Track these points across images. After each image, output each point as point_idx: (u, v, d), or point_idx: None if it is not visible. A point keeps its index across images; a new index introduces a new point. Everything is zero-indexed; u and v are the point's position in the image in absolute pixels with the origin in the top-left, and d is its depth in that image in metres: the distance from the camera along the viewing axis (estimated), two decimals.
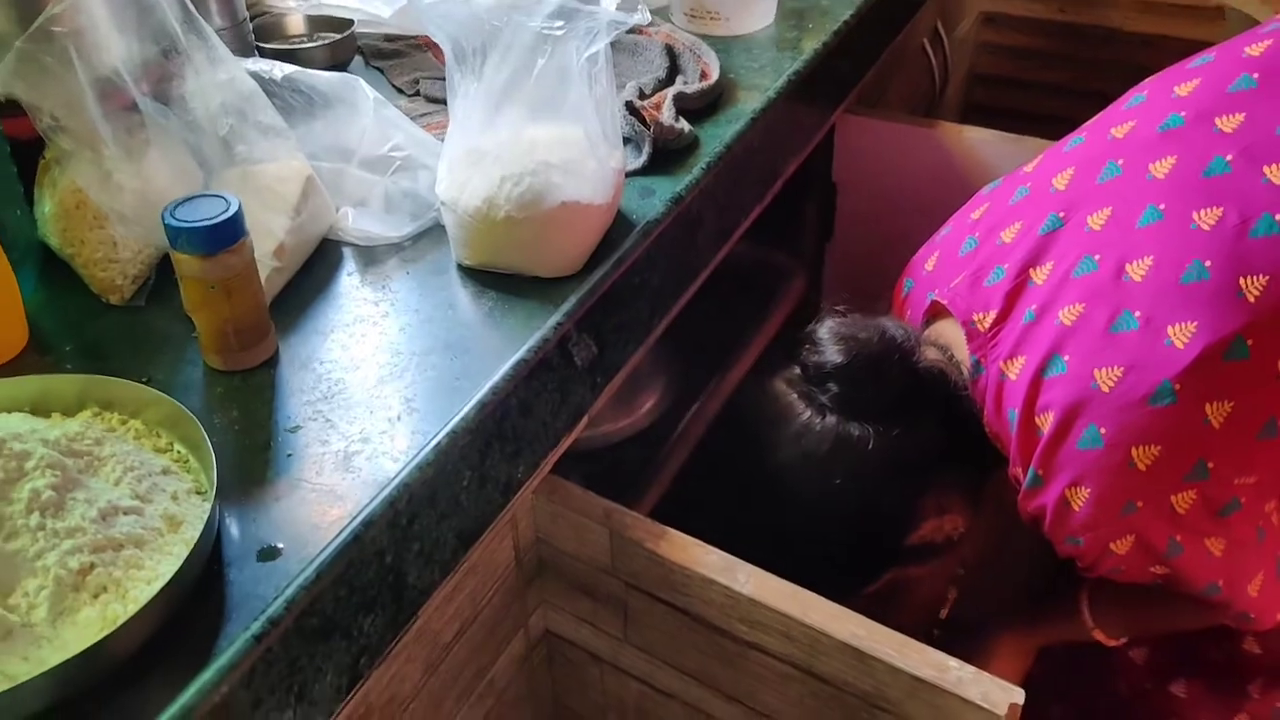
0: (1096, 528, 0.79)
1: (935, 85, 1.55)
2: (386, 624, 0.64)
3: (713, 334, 1.25)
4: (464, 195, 0.80)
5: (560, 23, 0.75)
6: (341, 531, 0.60)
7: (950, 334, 0.90)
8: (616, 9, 0.78)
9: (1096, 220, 0.82)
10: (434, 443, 0.66)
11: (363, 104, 0.88)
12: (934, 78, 1.54)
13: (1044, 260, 0.83)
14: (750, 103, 1.03)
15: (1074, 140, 0.93)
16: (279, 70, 0.88)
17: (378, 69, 1.11)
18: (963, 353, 0.88)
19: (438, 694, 0.75)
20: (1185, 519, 0.77)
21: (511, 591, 0.80)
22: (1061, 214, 0.84)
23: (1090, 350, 0.77)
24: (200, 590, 0.57)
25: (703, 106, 1.02)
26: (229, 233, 0.68)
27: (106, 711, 0.52)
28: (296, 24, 1.10)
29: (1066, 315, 0.79)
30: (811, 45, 1.12)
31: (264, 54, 1.03)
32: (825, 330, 0.91)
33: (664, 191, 0.90)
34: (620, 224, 0.86)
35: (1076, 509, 0.79)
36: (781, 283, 1.37)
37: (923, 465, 0.87)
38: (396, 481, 0.63)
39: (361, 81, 0.89)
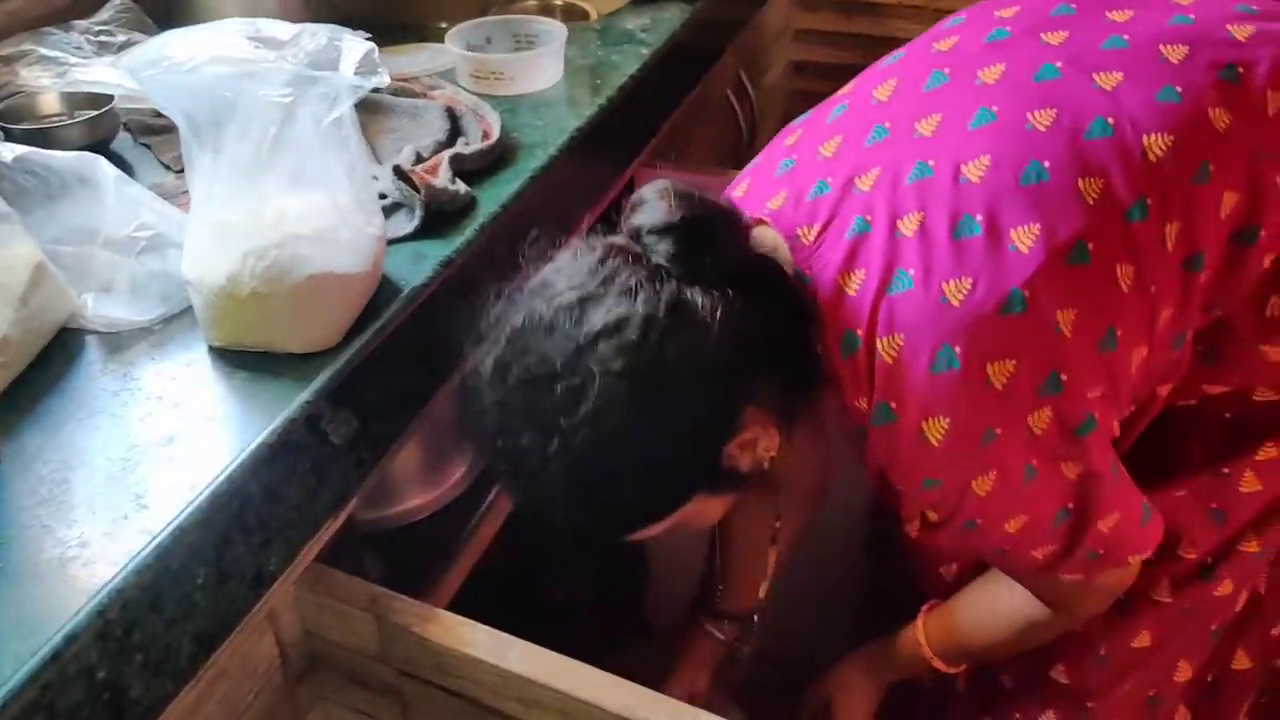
0: (956, 463, 0.73)
1: (744, 136, 1.57)
2: None
3: None
4: (208, 273, 0.76)
5: (289, 90, 0.72)
6: (37, 651, 0.55)
7: (770, 240, 0.80)
8: (355, 73, 0.75)
9: (926, 126, 0.77)
10: (155, 542, 0.61)
11: (104, 182, 0.83)
12: (740, 127, 1.55)
13: (870, 168, 0.77)
14: (531, 161, 1.01)
15: (893, 57, 0.89)
16: (8, 151, 0.82)
17: (145, 145, 1.06)
18: (788, 264, 0.78)
19: None
20: (1042, 440, 0.72)
21: (278, 691, 0.75)
22: (887, 124, 0.79)
23: (935, 261, 0.71)
24: None
25: (484, 167, 1.00)
26: None
27: None
28: (51, 103, 1.04)
29: (906, 225, 0.73)
30: (597, 101, 1.11)
31: (10, 136, 0.97)
32: (652, 190, 0.77)
33: (435, 255, 0.87)
34: (386, 291, 0.83)
35: (935, 443, 0.72)
36: None
37: (761, 356, 0.75)
38: (108, 588, 0.58)
39: (102, 160, 0.84)
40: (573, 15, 1.36)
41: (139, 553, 0.60)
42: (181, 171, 1.01)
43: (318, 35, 0.76)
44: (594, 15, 1.36)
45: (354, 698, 0.77)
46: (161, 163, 1.03)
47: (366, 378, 0.78)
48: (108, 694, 0.58)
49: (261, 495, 0.68)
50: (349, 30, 0.78)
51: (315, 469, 0.73)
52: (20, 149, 0.83)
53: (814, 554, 1.13)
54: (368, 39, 0.78)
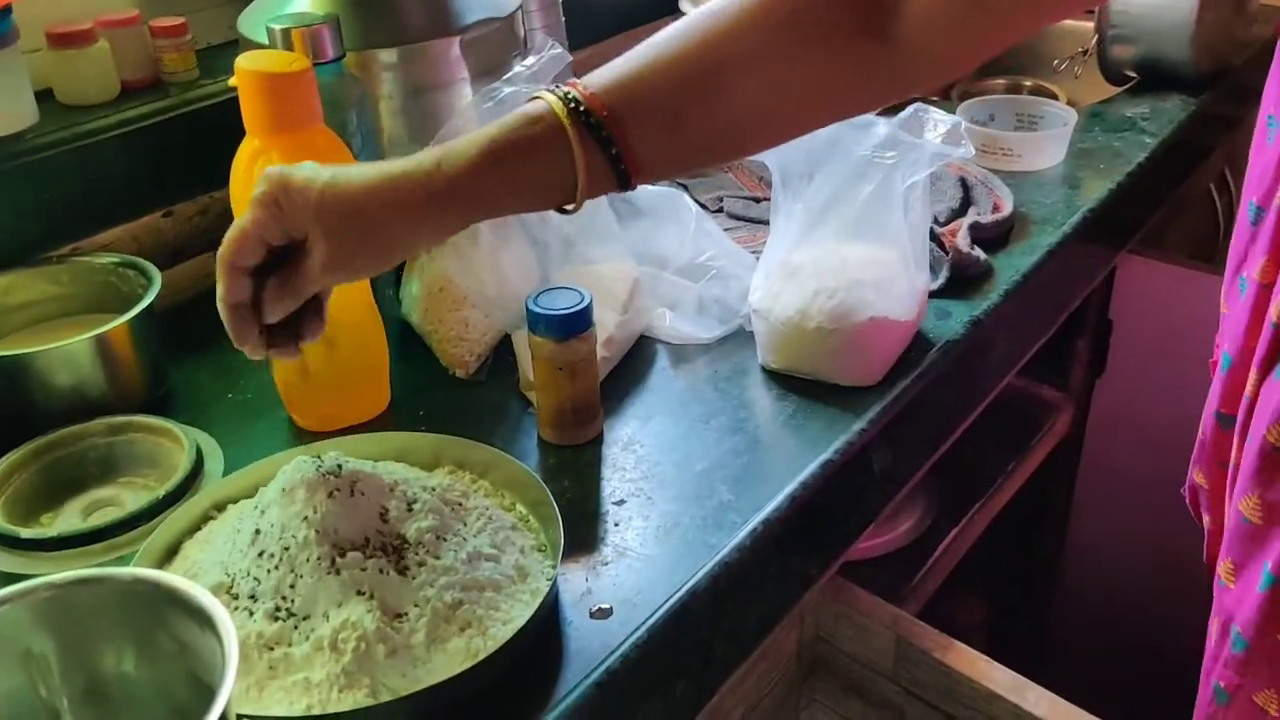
0: None
1: (1219, 232, 1.53)
2: (694, 692, 0.69)
3: (973, 461, 1.26)
4: (778, 304, 0.86)
5: (891, 152, 0.81)
6: (670, 597, 0.65)
7: None
8: (941, 142, 0.83)
9: None
10: (750, 527, 0.71)
11: (685, 216, 0.97)
12: (1218, 224, 1.51)
13: None
14: (1044, 237, 1.05)
15: None
16: None
17: (682, 185, 1.20)
18: None
19: None
20: None
21: (789, 683, 0.83)
22: None
23: None
24: (541, 638, 0.63)
25: (994, 237, 1.06)
26: (581, 322, 0.77)
27: None
28: None
29: None
30: (1105, 185, 1.14)
31: None
32: None
33: (961, 314, 0.93)
34: (917, 341, 0.90)
35: None
36: (1047, 415, 1.37)
37: None
38: (717, 559, 0.68)
39: (685, 196, 0.98)
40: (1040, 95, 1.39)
41: (737, 532, 0.70)
42: (719, 211, 1.15)
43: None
44: (1062, 98, 1.38)
45: (848, 707, 0.84)
46: (699, 202, 1.16)
47: (903, 416, 0.85)
48: (704, 648, 0.68)
49: (819, 506, 0.76)
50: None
51: (856, 491, 0.81)
52: None
53: None
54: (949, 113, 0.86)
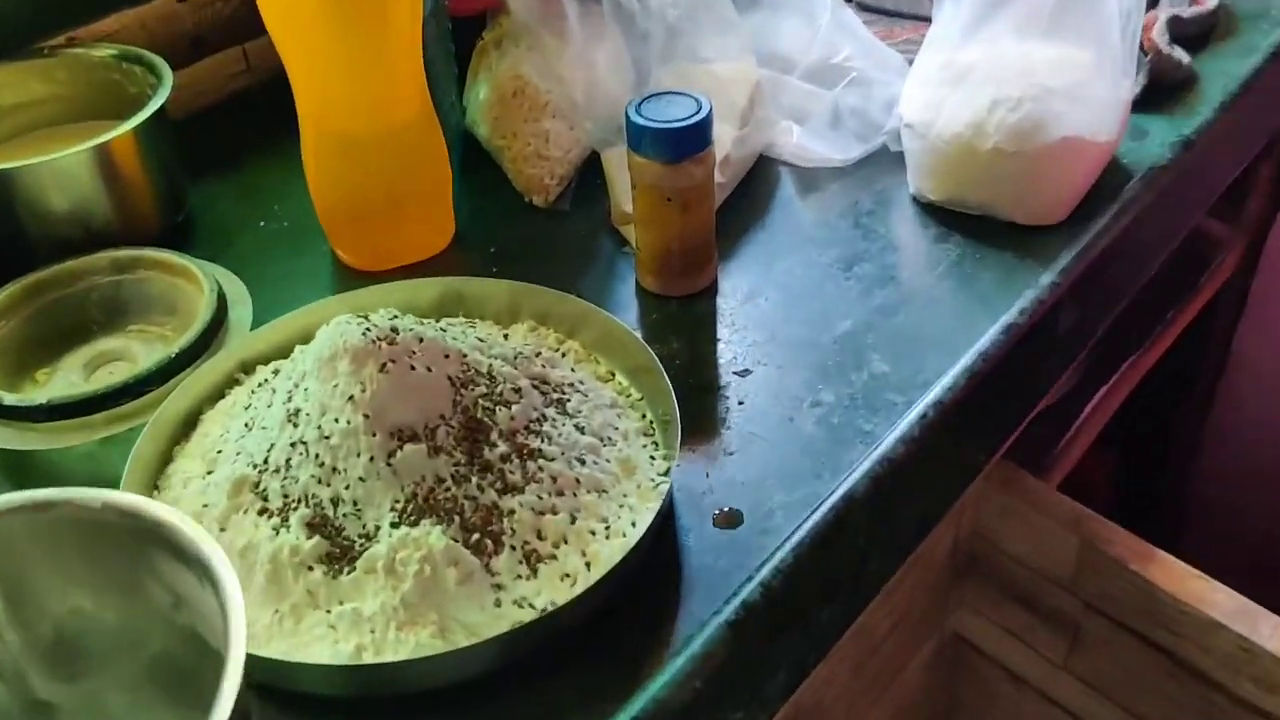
0: None
1: None
2: (841, 615, 0.55)
3: (1128, 306, 1.08)
4: (940, 118, 0.68)
5: None
6: (819, 505, 0.51)
7: None
8: None
9: None
10: (918, 412, 0.55)
11: (818, 5, 0.77)
12: None
13: None
14: (1258, 35, 0.84)
15: None
16: None
17: None
18: None
19: (855, 694, 0.66)
20: None
21: (937, 588, 0.69)
22: None
23: None
24: (655, 556, 0.49)
25: (1197, 35, 0.85)
26: (697, 139, 0.59)
27: (560, 685, 0.45)
28: None
29: None
30: None
31: None
32: None
33: (1161, 133, 0.74)
34: (1110, 168, 0.71)
35: None
36: (1213, 253, 1.17)
37: None
38: (879, 454, 0.53)
39: None
40: None
41: (902, 420, 0.55)
42: (850, 1, 0.94)
43: None
44: None
45: (1009, 615, 0.70)
46: None
47: (1095, 265, 0.67)
48: (857, 562, 0.54)
49: (998, 380, 0.60)
50: None
51: (1037, 358, 0.64)
52: None
53: None
54: None
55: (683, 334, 0.62)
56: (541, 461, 0.48)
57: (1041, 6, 0.67)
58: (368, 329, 0.48)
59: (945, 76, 0.69)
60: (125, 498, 0.34)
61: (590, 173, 0.73)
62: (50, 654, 0.36)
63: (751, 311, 0.63)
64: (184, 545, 0.32)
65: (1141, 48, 0.78)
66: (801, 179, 0.74)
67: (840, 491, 0.51)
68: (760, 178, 0.74)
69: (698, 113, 0.59)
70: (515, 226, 0.71)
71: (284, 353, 0.57)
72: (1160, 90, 0.78)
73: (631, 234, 0.65)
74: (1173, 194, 0.74)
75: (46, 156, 0.65)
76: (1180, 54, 0.80)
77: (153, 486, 0.52)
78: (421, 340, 0.49)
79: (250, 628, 0.41)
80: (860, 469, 0.52)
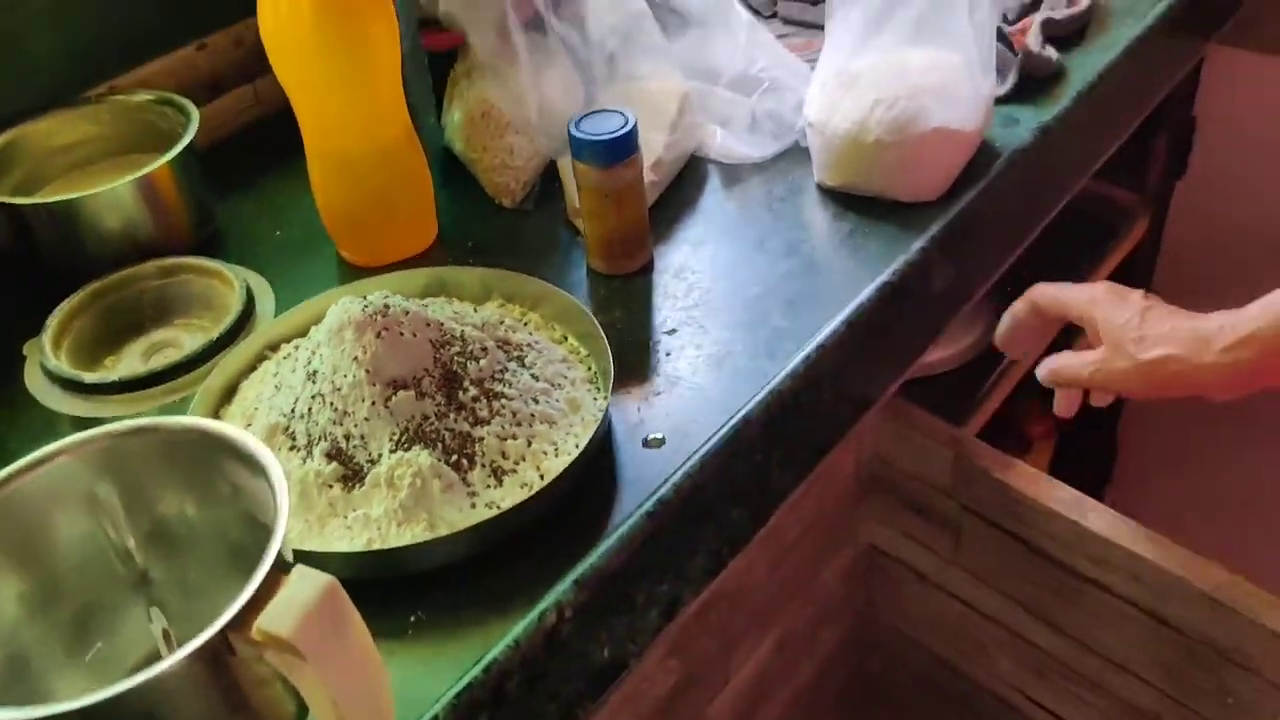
0: None
1: None
2: (749, 518, 0.69)
3: (1041, 271, 1.22)
4: (834, 117, 0.82)
5: None
6: (722, 427, 0.65)
7: None
8: None
9: None
10: (804, 354, 0.69)
11: (735, 25, 0.91)
12: None
13: None
14: (1123, 30, 0.98)
15: None
16: None
17: None
18: None
19: (772, 591, 0.80)
20: None
21: (845, 503, 0.83)
22: None
23: None
24: (594, 469, 0.64)
25: (1070, 34, 0.99)
26: (625, 147, 0.74)
27: (521, 564, 0.59)
28: None
29: None
30: None
31: None
32: None
33: (1029, 120, 0.88)
34: (982, 151, 0.85)
35: None
36: (1122, 221, 1.31)
37: None
38: (770, 386, 0.67)
39: (736, 3, 0.92)
40: None
41: (791, 359, 0.69)
42: (773, 16, 1.09)
43: None
44: None
45: (907, 522, 0.84)
46: (752, 7, 1.10)
47: (966, 232, 0.81)
48: (758, 474, 0.68)
49: (877, 329, 0.74)
50: None
51: (913, 311, 0.79)
52: None
53: None
54: None
55: (624, 304, 0.76)
56: (504, 401, 0.63)
57: (912, 21, 0.81)
58: (366, 305, 0.63)
59: (839, 81, 0.83)
60: (200, 420, 0.49)
61: (549, 177, 0.88)
62: (149, 539, 0.51)
63: (680, 284, 0.78)
64: (241, 448, 0.47)
65: (1012, 49, 0.92)
66: (726, 174, 0.88)
67: (738, 416, 0.65)
68: (691, 175, 0.88)
69: (624, 126, 0.73)
70: (488, 224, 0.86)
71: (302, 333, 0.72)
72: (1032, 84, 0.92)
73: (581, 225, 0.80)
74: (1036, 172, 0.88)
75: (100, 188, 0.79)
76: (1051, 52, 0.94)
77: None
78: (408, 313, 0.63)
79: (288, 533, 0.56)
80: (755, 399, 0.67)
